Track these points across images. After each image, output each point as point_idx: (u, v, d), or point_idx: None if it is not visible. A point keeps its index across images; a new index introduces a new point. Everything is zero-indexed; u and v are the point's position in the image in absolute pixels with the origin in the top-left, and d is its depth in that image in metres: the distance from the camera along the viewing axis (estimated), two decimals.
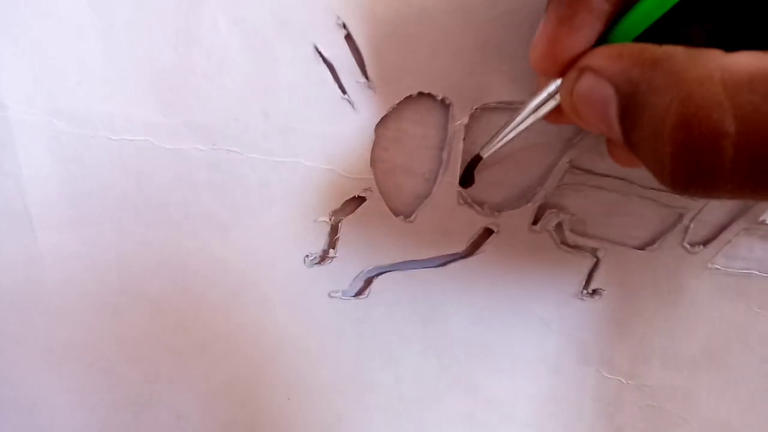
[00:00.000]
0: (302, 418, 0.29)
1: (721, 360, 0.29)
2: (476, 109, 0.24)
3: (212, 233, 0.25)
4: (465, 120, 0.24)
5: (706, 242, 0.27)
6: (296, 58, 0.23)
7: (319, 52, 0.23)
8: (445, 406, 0.29)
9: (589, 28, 0.16)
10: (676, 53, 0.14)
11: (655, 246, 0.27)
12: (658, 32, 0.16)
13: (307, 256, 0.26)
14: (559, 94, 0.18)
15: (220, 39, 0.23)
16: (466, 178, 0.24)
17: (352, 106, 0.24)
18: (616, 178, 0.26)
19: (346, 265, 0.27)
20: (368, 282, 0.27)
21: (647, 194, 0.26)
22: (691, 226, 0.27)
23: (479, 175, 0.25)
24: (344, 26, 0.23)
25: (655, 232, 0.27)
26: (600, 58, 0.16)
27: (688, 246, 0.27)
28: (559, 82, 0.18)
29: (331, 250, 0.26)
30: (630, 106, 0.15)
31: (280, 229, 0.26)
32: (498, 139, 0.22)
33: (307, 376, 0.28)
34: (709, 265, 0.27)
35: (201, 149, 0.24)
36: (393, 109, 0.24)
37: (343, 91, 0.24)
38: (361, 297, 0.27)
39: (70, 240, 0.25)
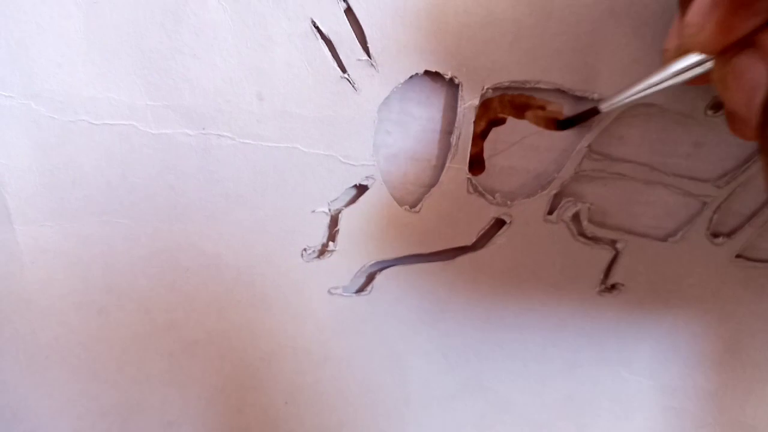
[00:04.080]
0: (301, 424, 0.28)
1: (747, 358, 0.28)
2: (488, 89, 0.23)
3: (203, 225, 0.24)
4: (475, 101, 0.23)
5: (731, 233, 0.26)
6: (292, 34, 0.22)
7: (317, 28, 0.22)
8: (454, 409, 0.28)
9: (766, 13, 0.15)
10: None
11: (678, 237, 0.26)
12: None
13: (305, 249, 0.25)
14: (709, 65, 0.18)
15: (210, 16, 0.22)
16: (570, 124, 0.23)
17: (353, 86, 0.23)
18: (637, 163, 0.24)
19: (347, 260, 0.25)
20: (371, 277, 0.26)
21: (670, 181, 0.25)
22: (715, 216, 0.25)
23: (490, 161, 0.24)
24: None
25: (677, 223, 0.26)
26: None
27: (712, 237, 0.26)
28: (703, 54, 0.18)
29: (330, 243, 0.25)
30: None
31: (275, 220, 0.24)
32: (624, 96, 0.21)
33: (306, 378, 0.27)
34: (735, 258, 0.26)
35: (189, 134, 0.23)
36: (397, 89, 0.23)
37: (343, 70, 0.22)
38: (363, 293, 0.26)
39: (52, 234, 0.24)
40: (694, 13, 0.17)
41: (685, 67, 0.19)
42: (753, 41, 0.16)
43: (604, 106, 0.22)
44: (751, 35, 0.16)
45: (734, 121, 0.20)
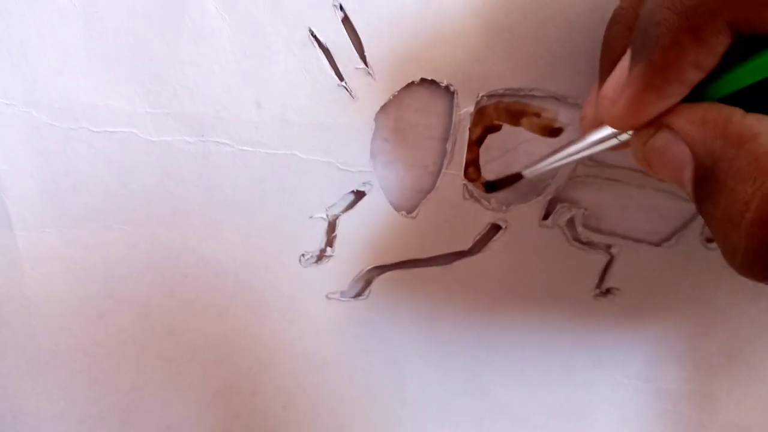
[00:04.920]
0: (299, 428, 0.28)
1: (742, 361, 0.28)
2: (482, 96, 0.23)
3: (202, 232, 0.24)
4: (471, 108, 0.23)
5: None
6: (290, 43, 0.22)
7: (315, 37, 0.22)
8: (451, 413, 0.28)
9: (677, 96, 0.15)
10: (763, 133, 0.13)
11: (672, 242, 0.26)
12: (749, 94, 0.15)
13: (302, 255, 0.25)
14: (626, 136, 0.18)
15: (209, 24, 0.22)
16: (495, 188, 0.24)
17: (350, 94, 0.23)
18: (630, 169, 0.24)
19: (345, 265, 0.25)
20: (368, 282, 0.26)
21: (664, 186, 0.25)
22: None
23: (485, 168, 0.24)
24: (341, 8, 0.22)
25: (672, 227, 0.26)
26: (681, 119, 0.15)
27: (706, 242, 0.26)
28: None
29: (328, 249, 0.25)
30: (708, 179, 0.14)
31: (274, 226, 0.24)
32: (544, 164, 0.21)
33: (304, 383, 0.27)
34: None
35: (189, 141, 0.23)
36: (394, 97, 0.23)
37: (341, 78, 0.22)
38: (360, 298, 0.26)
39: (52, 240, 0.24)
40: (608, 86, 0.17)
41: (602, 138, 0.18)
42: (666, 123, 0.16)
43: (527, 172, 0.22)
44: (664, 115, 0.16)
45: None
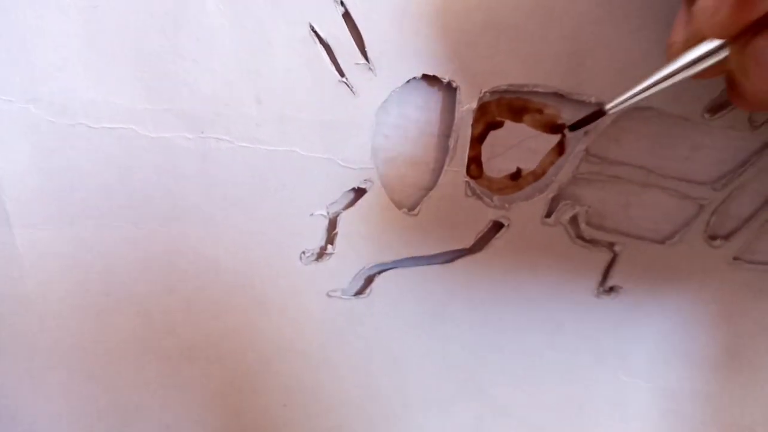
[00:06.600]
0: (299, 427, 0.28)
1: (745, 360, 0.28)
2: (485, 92, 0.23)
3: (201, 229, 0.24)
4: (473, 105, 0.23)
5: (728, 236, 0.26)
6: (291, 39, 0.22)
7: (315, 33, 0.22)
8: (452, 413, 0.28)
9: None
10: None
11: (675, 239, 0.26)
12: None
13: (303, 252, 0.25)
14: (717, 54, 0.17)
15: (210, 20, 0.22)
16: (577, 127, 0.23)
17: (351, 90, 0.22)
18: (634, 166, 0.24)
19: (346, 262, 0.25)
20: (369, 280, 0.26)
21: (667, 184, 0.25)
22: (713, 219, 0.25)
23: (488, 164, 0.24)
24: (342, 3, 0.21)
25: (675, 225, 0.26)
26: None
27: (709, 240, 0.26)
28: (716, 42, 0.17)
29: (329, 246, 0.25)
30: None
31: (274, 223, 0.24)
32: (629, 95, 0.20)
33: (304, 381, 0.27)
34: (732, 260, 0.26)
35: (188, 138, 0.23)
36: (395, 93, 0.23)
37: (342, 74, 0.22)
38: (361, 296, 0.26)
39: (51, 238, 0.24)
40: None
41: (695, 59, 0.18)
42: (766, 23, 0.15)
43: (609, 107, 0.21)
44: (764, 18, 0.15)
45: (738, 95, 0.19)
